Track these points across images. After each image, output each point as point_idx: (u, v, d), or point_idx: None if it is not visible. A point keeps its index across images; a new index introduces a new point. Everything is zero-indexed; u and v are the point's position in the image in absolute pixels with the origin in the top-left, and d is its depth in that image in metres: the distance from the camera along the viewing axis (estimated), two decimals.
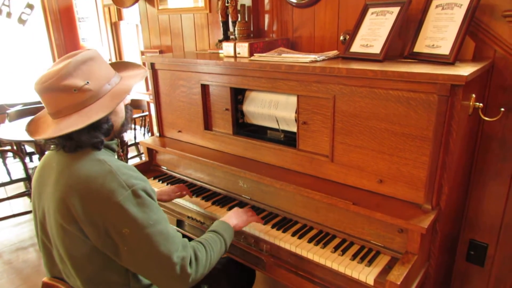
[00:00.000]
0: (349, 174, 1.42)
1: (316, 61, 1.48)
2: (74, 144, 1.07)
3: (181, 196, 1.75)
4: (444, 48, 1.34)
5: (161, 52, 2.78)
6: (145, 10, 2.83)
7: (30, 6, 5.25)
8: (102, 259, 1.08)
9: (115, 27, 4.84)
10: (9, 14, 5.13)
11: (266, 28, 2.12)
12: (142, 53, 2.94)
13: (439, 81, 1.11)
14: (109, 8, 4.74)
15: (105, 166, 1.06)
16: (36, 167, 3.18)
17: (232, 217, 1.42)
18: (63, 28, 5.59)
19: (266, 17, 2.10)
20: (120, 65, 1.28)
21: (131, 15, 4.59)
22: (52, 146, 1.13)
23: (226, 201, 1.74)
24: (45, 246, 1.19)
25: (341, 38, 1.82)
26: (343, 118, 1.38)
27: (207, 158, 1.78)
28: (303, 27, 1.97)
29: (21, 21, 5.28)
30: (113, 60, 4.95)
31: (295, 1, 1.92)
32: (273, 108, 1.64)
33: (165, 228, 1.08)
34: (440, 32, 1.37)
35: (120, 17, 4.75)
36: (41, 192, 1.14)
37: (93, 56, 1.10)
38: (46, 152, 1.23)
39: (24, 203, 3.57)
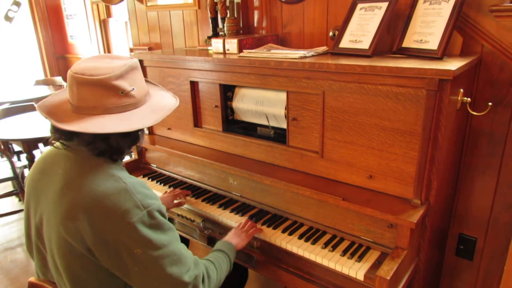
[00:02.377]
0: (339, 170, 1.42)
1: (305, 57, 1.47)
2: (104, 147, 1.03)
3: (180, 205, 1.72)
4: (432, 43, 1.34)
5: (150, 49, 2.75)
6: (134, 7, 2.79)
7: (17, 3, 5.15)
8: (104, 275, 1.03)
9: (104, 24, 4.78)
10: None
11: (255, 25, 2.11)
12: (131, 50, 2.91)
13: (427, 76, 1.11)
14: (97, 5, 4.67)
15: (120, 183, 1.01)
16: (25, 165, 3.14)
17: (233, 238, 1.40)
18: (51, 25, 5.51)
19: (256, 13, 2.09)
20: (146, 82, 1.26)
21: (120, 12, 4.53)
22: (63, 143, 1.06)
23: (216, 198, 1.73)
24: (39, 250, 1.13)
25: (331, 34, 1.81)
26: (333, 114, 1.38)
27: (197, 155, 1.77)
28: (293, 23, 1.96)
29: (8, 18, 5.18)
30: None
31: None
32: (262, 105, 1.63)
33: (178, 248, 1.05)
34: (428, 27, 1.37)
35: (109, 14, 4.68)
36: (39, 196, 1.08)
37: (138, 65, 1.10)
38: (46, 150, 1.15)
39: (12, 203, 3.51)
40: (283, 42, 2.01)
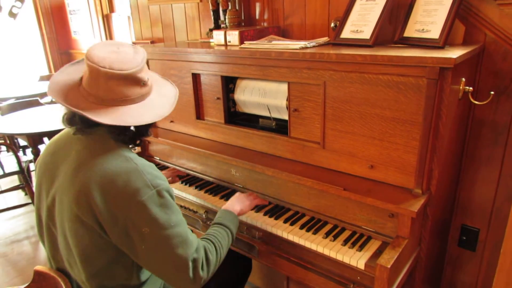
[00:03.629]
0: (340, 160, 1.42)
1: (306, 48, 1.47)
2: (122, 134, 1.10)
3: (173, 182, 1.78)
4: (434, 32, 1.33)
5: (152, 43, 2.75)
6: (136, 1, 2.79)
7: (21, 0, 5.18)
8: (113, 253, 1.07)
9: (106, 19, 4.78)
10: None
11: (257, 17, 2.10)
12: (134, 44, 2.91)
13: (428, 64, 1.11)
14: (100, 0, 4.68)
15: (131, 163, 1.05)
16: (31, 160, 3.17)
17: (235, 204, 1.43)
18: (55, 21, 5.53)
19: (257, 5, 2.08)
20: None
21: (123, 7, 4.54)
22: (78, 128, 1.08)
23: (218, 189, 1.74)
24: (50, 232, 1.17)
25: (332, 25, 1.81)
26: (334, 105, 1.38)
27: (200, 147, 1.78)
28: (294, 14, 1.95)
29: (12, 14, 5.21)
30: None
31: None
32: (264, 96, 1.63)
33: (184, 231, 1.08)
34: (430, 16, 1.36)
35: (111, 9, 4.69)
36: (52, 177, 1.11)
37: (146, 53, 1.15)
38: (60, 133, 1.21)
39: (18, 197, 3.55)
40: (285, 33, 2.00)
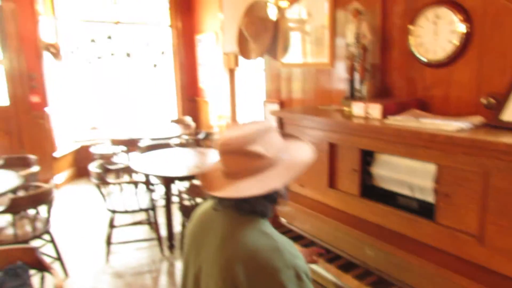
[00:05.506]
0: (505, 262, 1.26)
1: (463, 130, 1.38)
2: (249, 208, 1.14)
3: (311, 262, 1.72)
4: None
5: (281, 103, 2.90)
6: (269, 62, 3.02)
7: (162, 53, 6.04)
8: None
9: (231, 73, 5.25)
10: (145, 59, 5.95)
11: (394, 87, 2.07)
12: (264, 103, 3.11)
13: None
14: (227, 56, 5.18)
15: (272, 241, 1.09)
16: (163, 196, 3.50)
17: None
18: (186, 71, 6.28)
19: (394, 75, 2.06)
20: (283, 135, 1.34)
21: (247, 62, 4.95)
22: (217, 204, 1.19)
23: (349, 266, 1.67)
24: None
25: (484, 101, 1.68)
26: (498, 196, 1.25)
27: (330, 216, 1.76)
28: (436, 87, 1.87)
29: (154, 65, 6.08)
30: (228, 102, 5.33)
31: (426, 60, 1.85)
32: (406, 174, 1.56)
33: None
34: None
35: (236, 64, 5.15)
36: (198, 249, 1.21)
37: (271, 127, 1.20)
38: (203, 206, 1.31)
39: (143, 230, 3.93)
40: (425, 106, 1.92)
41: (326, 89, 2.52)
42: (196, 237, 1.25)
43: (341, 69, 2.37)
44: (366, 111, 1.77)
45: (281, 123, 2.13)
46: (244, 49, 3.28)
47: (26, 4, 4.66)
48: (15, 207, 2.57)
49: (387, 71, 2.08)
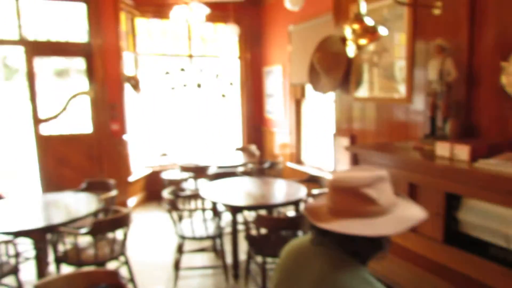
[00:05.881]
0: None
1: None
2: (352, 248, 1.12)
3: None
4: None
5: (352, 137, 2.86)
6: (340, 96, 3.01)
7: (231, 83, 6.31)
8: None
9: (297, 104, 5.30)
10: (215, 89, 6.25)
11: (480, 127, 1.94)
12: (334, 136, 3.09)
13: None
14: (294, 88, 5.26)
15: None
16: (229, 224, 3.56)
17: None
18: (253, 101, 6.47)
19: (482, 115, 1.93)
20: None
21: (314, 94, 4.98)
22: (318, 239, 1.18)
23: None
24: None
25: None
26: None
27: (409, 261, 1.66)
28: None
29: (223, 95, 6.36)
30: (293, 133, 5.37)
31: None
32: (502, 224, 1.43)
33: None
34: None
35: (303, 95, 5.19)
36: (290, 284, 1.20)
37: (387, 176, 1.19)
38: (298, 242, 1.30)
39: (208, 257, 4.01)
40: None
41: (401, 124, 2.44)
42: (289, 271, 1.23)
43: (418, 104, 2.29)
44: (451, 151, 1.68)
45: (355, 159, 2.09)
46: (315, 83, 3.32)
47: (112, 40, 5.16)
48: (97, 230, 2.77)
49: (473, 110, 1.97)
